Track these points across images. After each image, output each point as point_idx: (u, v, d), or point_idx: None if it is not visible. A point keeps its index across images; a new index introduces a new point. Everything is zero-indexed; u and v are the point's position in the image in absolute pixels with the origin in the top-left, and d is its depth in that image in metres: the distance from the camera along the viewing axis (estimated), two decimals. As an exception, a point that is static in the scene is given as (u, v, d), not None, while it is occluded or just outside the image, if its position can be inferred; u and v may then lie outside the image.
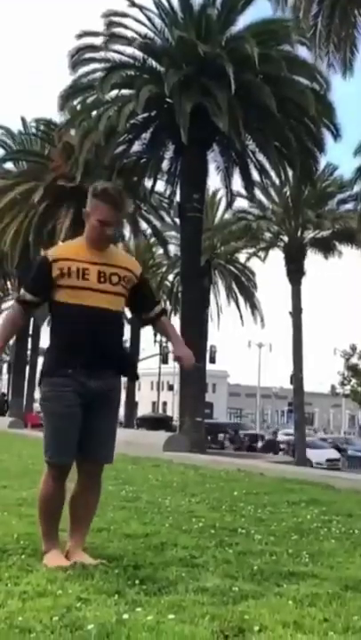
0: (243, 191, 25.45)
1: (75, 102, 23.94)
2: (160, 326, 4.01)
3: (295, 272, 32.34)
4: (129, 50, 21.97)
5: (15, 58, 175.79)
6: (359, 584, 3.41)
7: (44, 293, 3.72)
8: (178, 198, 23.67)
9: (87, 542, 4.20)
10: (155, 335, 46.72)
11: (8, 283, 41.96)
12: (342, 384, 61.39)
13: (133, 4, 21.54)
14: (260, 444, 39.04)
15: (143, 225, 31.05)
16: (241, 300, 38.08)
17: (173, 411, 51.43)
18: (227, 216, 34.31)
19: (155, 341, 48.12)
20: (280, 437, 43.74)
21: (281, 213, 32.72)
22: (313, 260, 35.23)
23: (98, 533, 4.48)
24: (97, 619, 2.68)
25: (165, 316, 4.04)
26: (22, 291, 3.81)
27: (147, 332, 46.29)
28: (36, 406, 58.24)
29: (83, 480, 3.76)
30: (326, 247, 33.16)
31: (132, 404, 44.15)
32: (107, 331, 3.67)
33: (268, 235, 33.25)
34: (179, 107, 19.96)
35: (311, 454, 30.64)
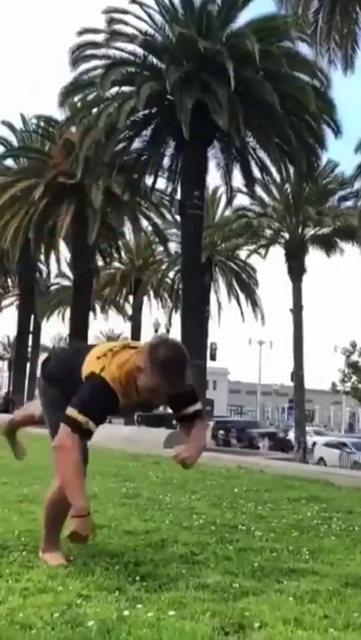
0: (243, 188, 25.46)
1: (75, 99, 23.93)
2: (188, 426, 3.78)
3: (296, 269, 32.36)
4: (129, 47, 21.98)
5: (15, 56, 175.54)
6: (359, 581, 3.41)
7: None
8: (178, 195, 23.66)
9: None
10: (155, 332, 46.81)
11: (9, 280, 41.92)
12: (343, 381, 61.35)
13: (134, 1, 21.52)
14: (265, 443, 37.91)
15: (144, 222, 31.03)
16: (242, 297, 38.11)
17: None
18: (227, 213, 34.32)
19: (155, 339, 48.03)
20: (290, 436, 41.14)
21: (282, 210, 32.74)
22: (314, 257, 35.28)
23: (98, 530, 4.48)
24: (97, 615, 2.69)
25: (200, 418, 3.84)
26: (85, 419, 3.35)
27: (147, 332, 46.38)
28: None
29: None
30: (328, 244, 33.18)
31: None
32: None
33: (268, 232, 33.27)
34: (180, 103, 19.94)
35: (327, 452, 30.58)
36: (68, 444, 3.33)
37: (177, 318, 34.87)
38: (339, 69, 19.60)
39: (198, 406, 3.78)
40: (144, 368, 3.32)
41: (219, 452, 16.88)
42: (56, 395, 3.66)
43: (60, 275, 41.88)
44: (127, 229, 31.11)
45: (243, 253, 37.07)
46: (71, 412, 3.34)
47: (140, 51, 22.00)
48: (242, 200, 31.39)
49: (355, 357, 57.47)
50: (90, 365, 3.46)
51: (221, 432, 37.22)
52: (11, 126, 32.99)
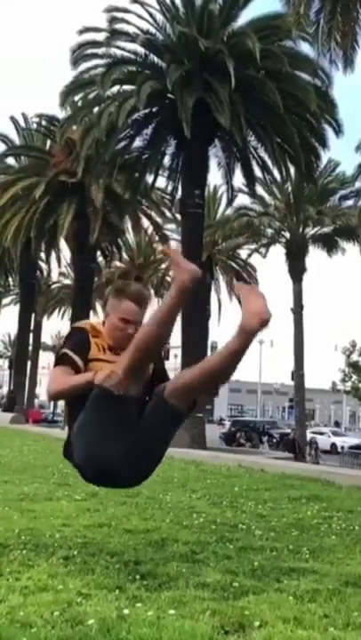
0: (244, 187, 25.43)
1: (76, 98, 23.90)
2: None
3: (297, 269, 32.33)
4: (130, 45, 21.94)
5: (16, 55, 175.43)
6: (359, 580, 3.42)
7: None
8: (179, 194, 23.64)
9: (88, 537, 4.21)
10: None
11: (10, 278, 41.92)
12: (343, 380, 61.42)
13: (135, 1, 21.49)
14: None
15: (144, 221, 31.03)
16: (242, 296, 38.05)
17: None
18: (228, 212, 34.27)
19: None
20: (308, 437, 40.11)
21: (283, 209, 32.70)
22: (314, 256, 35.28)
23: (99, 529, 4.50)
24: (98, 614, 2.69)
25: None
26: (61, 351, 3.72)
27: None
28: (37, 402, 58.23)
29: None
30: (328, 244, 33.15)
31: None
32: None
33: (269, 231, 33.23)
34: (181, 102, 19.92)
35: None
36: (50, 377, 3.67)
37: (177, 317, 34.82)
38: (340, 69, 19.58)
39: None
40: (110, 309, 3.71)
41: (221, 452, 16.89)
42: None
43: (61, 273, 41.97)
44: (128, 228, 31.14)
45: (243, 252, 37.09)
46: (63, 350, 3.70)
47: (140, 50, 21.97)
48: (243, 199, 31.34)
49: (355, 357, 57.52)
50: None
51: (241, 433, 36.72)
52: (15, 122, 33.03)
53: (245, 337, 3.25)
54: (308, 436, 38.05)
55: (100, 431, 3.36)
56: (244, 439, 36.49)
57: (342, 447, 38.46)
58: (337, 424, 70.83)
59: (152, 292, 44.19)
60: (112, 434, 3.35)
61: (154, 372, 3.74)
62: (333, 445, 39.96)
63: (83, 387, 3.44)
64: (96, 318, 3.99)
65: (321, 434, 43.81)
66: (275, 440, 35.17)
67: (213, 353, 3.59)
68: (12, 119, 33.03)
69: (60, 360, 3.64)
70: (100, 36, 21.86)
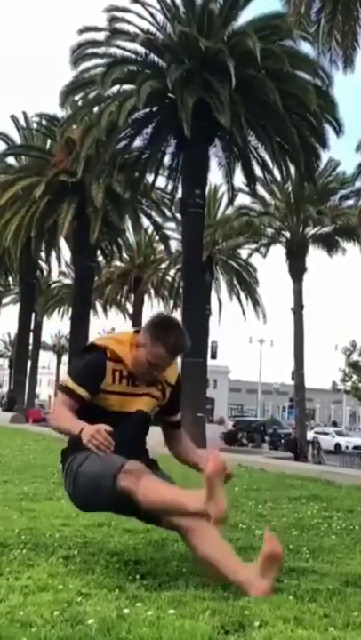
0: (244, 187, 25.43)
1: (76, 98, 23.90)
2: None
3: (297, 268, 32.33)
4: (131, 45, 21.94)
5: (16, 54, 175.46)
6: (359, 580, 3.41)
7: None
8: (179, 194, 23.64)
9: (88, 537, 4.22)
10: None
11: (10, 278, 41.94)
12: (343, 380, 61.51)
13: (136, 0, 21.48)
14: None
15: (145, 221, 31.02)
16: (243, 295, 38.11)
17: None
18: (228, 212, 34.28)
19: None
20: (309, 436, 38.28)
21: (283, 209, 32.71)
22: (315, 256, 35.27)
23: (99, 528, 4.50)
24: (98, 613, 2.69)
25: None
26: (66, 378, 3.57)
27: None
28: (37, 402, 58.25)
29: None
30: (329, 244, 33.15)
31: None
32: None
33: (269, 230, 33.23)
34: (181, 101, 19.92)
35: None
36: (52, 406, 3.60)
37: (178, 316, 34.86)
38: (340, 69, 19.56)
39: (180, 416, 3.89)
40: (144, 342, 3.43)
41: (221, 452, 16.88)
42: None
43: (61, 273, 41.97)
44: (128, 228, 31.14)
45: (244, 252, 37.10)
46: (65, 377, 3.61)
47: (141, 49, 21.97)
48: (243, 199, 31.32)
49: (355, 356, 57.61)
50: None
51: (243, 433, 36.45)
52: (16, 121, 33.05)
53: None
54: (311, 435, 37.99)
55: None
56: (246, 439, 36.37)
57: (347, 447, 38.44)
58: (335, 424, 70.79)
59: (152, 291, 44.30)
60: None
61: (171, 396, 3.67)
62: (338, 445, 39.94)
63: (73, 436, 3.34)
64: (120, 330, 3.61)
65: (325, 434, 43.81)
66: (282, 441, 34.25)
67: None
68: (13, 118, 33.05)
69: (65, 389, 3.48)
70: (101, 36, 21.87)
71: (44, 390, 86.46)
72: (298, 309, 32.11)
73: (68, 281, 43.31)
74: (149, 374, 3.49)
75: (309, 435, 38.29)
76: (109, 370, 3.46)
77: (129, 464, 3.23)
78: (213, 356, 44.07)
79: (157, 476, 3.48)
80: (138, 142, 23.51)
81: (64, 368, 49.00)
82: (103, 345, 3.51)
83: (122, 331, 3.83)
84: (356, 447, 38.72)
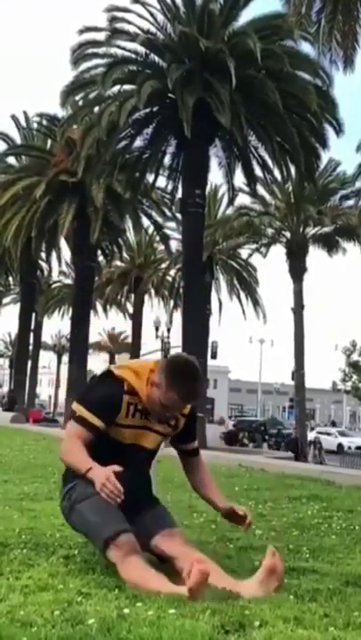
0: (245, 187, 25.44)
1: (77, 97, 23.92)
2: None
3: (297, 268, 32.33)
4: (131, 45, 21.96)
5: (17, 54, 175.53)
6: (359, 580, 3.41)
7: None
8: (180, 194, 23.65)
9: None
10: (156, 330, 46.85)
11: (10, 278, 41.95)
12: (343, 380, 61.51)
13: (136, 1, 21.49)
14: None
15: (145, 221, 31.03)
16: (243, 295, 38.11)
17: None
18: (229, 212, 34.28)
19: (156, 337, 48.19)
20: (311, 436, 38.04)
21: (283, 209, 32.71)
22: (315, 256, 35.29)
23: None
24: (98, 613, 2.69)
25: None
26: (79, 407, 3.41)
27: (148, 328, 46.39)
28: (37, 401, 58.29)
29: None
30: (329, 244, 33.15)
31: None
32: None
33: (270, 230, 33.23)
34: (181, 101, 19.93)
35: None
36: (65, 435, 3.46)
37: (178, 316, 34.88)
38: (340, 69, 19.55)
39: (197, 443, 3.85)
40: (159, 383, 3.36)
41: (222, 452, 16.89)
42: None
43: (62, 272, 41.97)
44: (128, 228, 31.14)
45: (244, 252, 37.10)
46: (73, 404, 3.47)
47: (141, 49, 21.99)
48: (243, 199, 31.33)
49: (355, 357, 57.60)
50: None
51: (244, 433, 36.15)
52: (16, 121, 33.06)
53: None
54: (312, 435, 37.87)
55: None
56: (247, 439, 36.24)
57: (349, 447, 38.40)
58: (334, 424, 70.90)
59: (152, 291, 44.30)
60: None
61: (185, 426, 3.64)
62: (340, 446, 39.91)
63: (80, 474, 3.25)
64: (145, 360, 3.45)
65: (328, 434, 43.79)
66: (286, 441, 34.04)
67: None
68: (14, 118, 33.06)
69: (80, 419, 3.36)
70: (101, 36, 21.91)
71: (45, 390, 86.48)
72: (298, 309, 32.11)
73: (68, 281, 43.32)
74: (162, 414, 3.46)
75: (311, 435, 38.22)
76: (125, 403, 3.40)
77: (122, 538, 3.16)
78: (213, 356, 44.05)
79: (157, 513, 3.49)
80: (138, 142, 23.57)
81: (64, 368, 48.94)
82: (121, 377, 3.42)
83: (142, 360, 3.77)
84: (358, 447, 38.72)
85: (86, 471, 3.16)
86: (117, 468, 3.10)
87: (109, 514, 3.20)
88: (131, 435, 3.47)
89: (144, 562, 3.13)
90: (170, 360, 3.46)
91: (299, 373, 32.41)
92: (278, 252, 33.53)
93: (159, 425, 3.53)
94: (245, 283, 38.00)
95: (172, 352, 46.39)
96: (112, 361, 74.63)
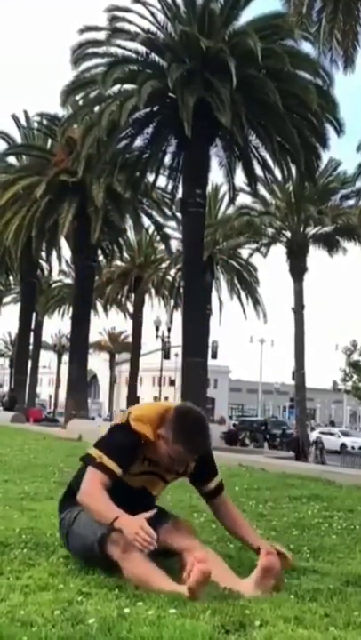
0: (245, 186, 25.44)
1: (77, 97, 23.91)
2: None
3: (297, 268, 32.36)
4: (131, 44, 21.97)
5: (18, 53, 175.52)
6: (360, 579, 3.41)
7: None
8: (180, 193, 23.65)
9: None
10: (156, 330, 46.86)
11: (10, 277, 41.95)
12: (344, 380, 61.49)
13: (137, 0, 21.48)
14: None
15: (145, 220, 31.02)
16: (243, 295, 38.12)
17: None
18: (229, 211, 34.30)
19: (156, 336, 48.21)
20: (313, 436, 38.23)
21: (283, 209, 32.72)
22: (315, 255, 35.27)
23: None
24: (98, 612, 2.69)
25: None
26: (99, 453, 3.39)
27: (148, 328, 46.41)
28: (38, 401, 58.27)
29: None
30: (330, 243, 33.17)
31: (133, 400, 44.27)
32: None
33: (270, 230, 33.26)
34: (182, 101, 19.93)
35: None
36: (85, 480, 3.37)
37: (178, 316, 34.89)
38: (340, 68, 19.55)
39: (220, 477, 3.72)
40: (166, 436, 3.40)
41: (222, 451, 16.85)
42: None
43: (62, 272, 41.97)
44: (129, 227, 31.14)
45: (244, 252, 37.12)
46: (89, 449, 3.44)
47: (142, 49, 21.99)
48: (244, 198, 31.35)
49: (355, 356, 57.58)
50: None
51: (246, 433, 35.78)
52: (17, 120, 33.06)
53: None
54: (315, 435, 37.80)
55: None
56: (248, 439, 36.11)
57: (353, 447, 38.35)
58: (333, 424, 70.85)
59: (153, 291, 44.31)
60: None
61: (198, 467, 3.57)
62: (343, 445, 39.89)
63: (104, 522, 3.20)
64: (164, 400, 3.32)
65: (331, 434, 43.77)
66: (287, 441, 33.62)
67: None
68: (14, 117, 33.06)
69: (101, 466, 3.34)
70: (101, 35, 21.91)
71: (45, 390, 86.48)
72: (298, 309, 32.14)
73: (68, 280, 43.33)
74: (170, 466, 3.49)
75: (313, 435, 38.12)
76: (143, 439, 3.45)
77: (116, 533, 3.15)
78: (214, 356, 44.07)
79: (170, 524, 3.45)
80: (139, 142, 23.57)
81: (65, 367, 48.93)
82: (140, 432, 3.41)
83: (157, 405, 3.67)
84: None
85: (114, 520, 3.14)
86: (147, 515, 3.12)
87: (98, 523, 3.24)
88: (140, 480, 3.54)
89: (145, 557, 3.12)
90: (176, 414, 3.44)
91: (299, 373, 32.43)
92: (279, 251, 33.58)
93: (168, 473, 3.58)
94: (246, 282, 38.01)
95: (173, 352, 46.38)
96: (112, 361, 74.79)
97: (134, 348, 44.87)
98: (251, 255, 36.44)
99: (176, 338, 41.38)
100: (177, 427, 3.37)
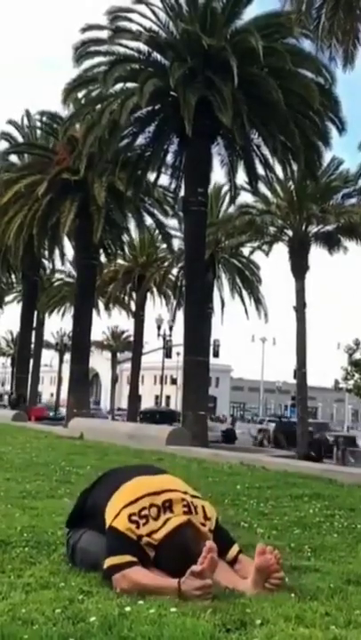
0: (247, 185, 25.40)
1: (79, 95, 23.90)
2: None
3: (299, 266, 32.29)
4: (133, 43, 21.93)
5: (19, 52, 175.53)
6: (361, 578, 3.42)
7: None
8: (182, 192, 23.63)
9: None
10: (158, 329, 46.87)
11: (12, 276, 41.95)
12: (345, 379, 61.37)
13: (139, 0, 21.45)
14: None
15: (147, 219, 30.98)
16: (245, 294, 38.07)
17: (177, 405, 51.46)
18: (231, 210, 34.24)
19: (158, 335, 48.25)
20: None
21: (285, 207, 32.66)
22: (317, 254, 35.22)
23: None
24: (99, 611, 2.70)
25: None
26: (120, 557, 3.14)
27: (150, 326, 46.41)
28: (44, 401, 58.00)
29: None
30: (331, 242, 33.11)
31: (135, 398, 44.31)
32: None
33: (272, 229, 33.20)
34: (183, 100, 19.90)
35: None
36: (121, 581, 3.07)
37: (180, 315, 34.84)
38: (339, 66, 19.54)
39: (237, 546, 3.56)
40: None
41: (223, 450, 16.88)
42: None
43: (64, 271, 41.98)
44: (131, 226, 31.13)
45: (246, 250, 37.06)
46: (107, 561, 3.14)
47: (143, 47, 21.96)
48: (245, 197, 31.28)
49: (357, 355, 57.44)
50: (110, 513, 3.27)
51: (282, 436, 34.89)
52: (16, 125, 33.08)
53: None
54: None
55: None
56: (266, 440, 35.53)
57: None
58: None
59: (155, 289, 44.29)
60: None
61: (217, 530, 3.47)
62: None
63: (169, 593, 2.98)
64: None
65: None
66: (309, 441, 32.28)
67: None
68: (12, 122, 33.04)
69: (125, 564, 3.08)
70: (104, 34, 21.88)
71: (47, 388, 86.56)
72: (300, 308, 32.07)
73: (70, 279, 43.33)
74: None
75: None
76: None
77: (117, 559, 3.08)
78: (216, 355, 44.07)
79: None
80: (140, 140, 23.55)
81: (66, 366, 48.96)
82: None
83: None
84: None
85: (178, 586, 2.96)
86: (196, 568, 2.95)
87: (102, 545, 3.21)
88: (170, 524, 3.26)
89: (144, 570, 3.06)
90: (170, 534, 3.18)
91: (301, 372, 32.38)
92: (281, 250, 33.53)
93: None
94: (248, 281, 37.96)
95: (175, 351, 46.30)
96: (114, 359, 74.77)
97: (136, 347, 44.86)
98: (252, 253, 36.41)
99: (178, 336, 41.38)
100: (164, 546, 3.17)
